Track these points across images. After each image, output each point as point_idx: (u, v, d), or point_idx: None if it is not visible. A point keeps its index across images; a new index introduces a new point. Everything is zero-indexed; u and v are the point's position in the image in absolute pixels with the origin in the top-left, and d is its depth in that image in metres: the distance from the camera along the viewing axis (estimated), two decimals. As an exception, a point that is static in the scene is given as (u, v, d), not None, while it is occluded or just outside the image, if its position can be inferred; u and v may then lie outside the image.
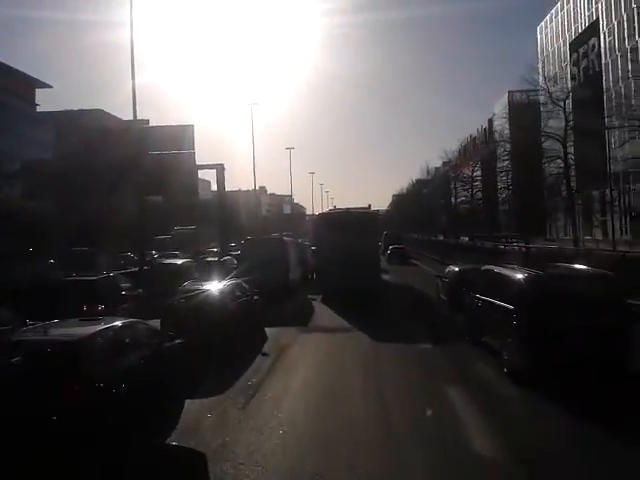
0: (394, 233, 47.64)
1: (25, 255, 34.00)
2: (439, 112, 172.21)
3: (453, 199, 52.50)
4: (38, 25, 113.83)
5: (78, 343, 5.44)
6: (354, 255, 18.63)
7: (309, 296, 20.46)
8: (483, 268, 11.39)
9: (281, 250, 20.69)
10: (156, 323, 9.75)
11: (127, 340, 6.31)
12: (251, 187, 60.90)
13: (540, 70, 67.67)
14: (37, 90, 60.39)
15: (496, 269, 10.34)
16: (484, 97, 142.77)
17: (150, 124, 37.14)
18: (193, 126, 35.18)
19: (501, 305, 9.25)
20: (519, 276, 9.15)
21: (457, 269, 15.96)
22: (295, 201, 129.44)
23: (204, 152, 34.19)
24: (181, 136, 34.12)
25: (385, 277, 24.43)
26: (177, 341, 7.46)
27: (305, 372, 9.86)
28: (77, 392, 4.93)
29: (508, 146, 41.74)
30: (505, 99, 54.91)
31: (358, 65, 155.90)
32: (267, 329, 13.35)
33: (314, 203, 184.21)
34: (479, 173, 46.77)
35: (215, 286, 12.28)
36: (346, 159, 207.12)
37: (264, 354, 11.03)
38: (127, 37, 21.26)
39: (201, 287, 12.10)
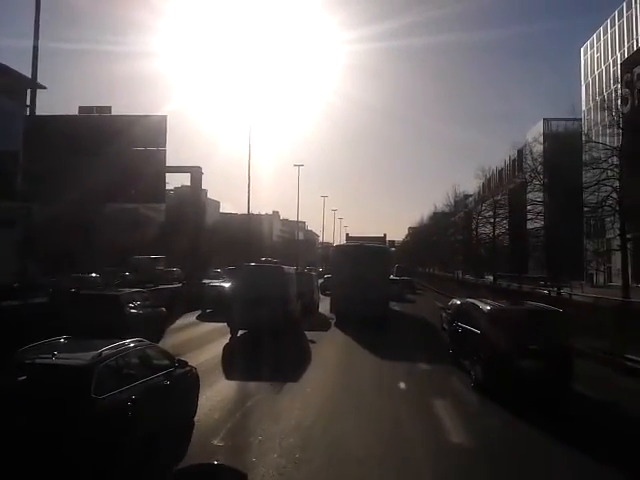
0: (404, 267, 60.20)
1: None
2: (462, 143, 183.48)
3: (477, 233, 56.20)
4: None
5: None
6: (365, 286, 23.64)
7: (308, 336, 20.39)
8: (466, 301, 15.26)
9: (280, 281, 20.16)
10: None
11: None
12: (265, 212, 65.15)
13: (583, 94, 71.75)
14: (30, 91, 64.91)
15: (473, 301, 14.20)
16: (512, 129, 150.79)
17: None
18: (166, 117, 32.25)
19: (472, 330, 13.08)
20: (487, 307, 12.99)
21: (458, 302, 19.65)
22: (309, 228, 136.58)
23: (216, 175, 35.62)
24: (151, 129, 31.09)
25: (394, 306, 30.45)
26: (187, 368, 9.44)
27: None
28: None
29: (541, 177, 44.62)
30: (539, 127, 58.11)
31: (380, 93, 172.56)
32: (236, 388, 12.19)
33: (328, 230, 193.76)
34: (506, 209, 50.52)
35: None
36: (363, 188, 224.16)
37: None
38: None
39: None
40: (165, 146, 32.04)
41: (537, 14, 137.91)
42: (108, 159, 29.95)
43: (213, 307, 25.87)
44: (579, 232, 44.21)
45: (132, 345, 8.14)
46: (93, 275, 38.77)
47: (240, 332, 19.66)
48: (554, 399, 11.47)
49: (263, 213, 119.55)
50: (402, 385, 13.00)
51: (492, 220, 51.35)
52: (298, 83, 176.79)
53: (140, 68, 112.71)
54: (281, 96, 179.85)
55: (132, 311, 17.67)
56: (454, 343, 15.02)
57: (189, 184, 38.35)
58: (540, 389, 11.49)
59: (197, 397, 9.79)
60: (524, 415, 10.32)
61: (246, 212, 46.50)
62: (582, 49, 75.93)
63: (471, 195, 65.81)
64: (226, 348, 17.65)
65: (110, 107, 35.30)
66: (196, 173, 35.31)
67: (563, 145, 47.72)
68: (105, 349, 7.46)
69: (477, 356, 12.41)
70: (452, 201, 65.87)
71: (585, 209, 39.02)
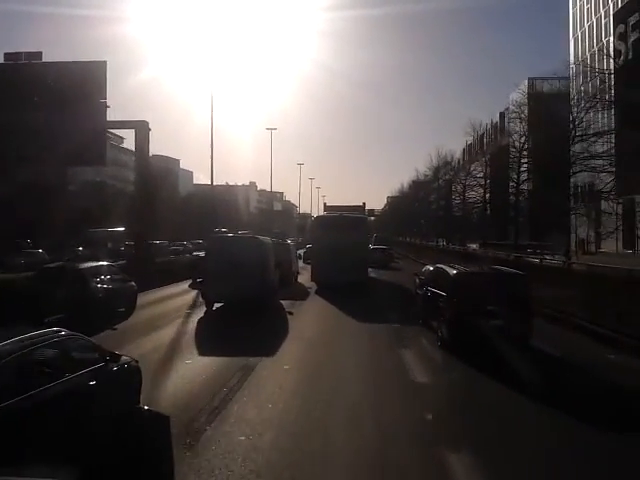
0: (382, 236, 64.29)
1: None
2: (442, 110, 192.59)
3: (464, 197, 57.24)
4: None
5: None
6: (345, 254, 26.38)
7: (287, 305, 21.91)
8: (437, 266, 16.89)
9: (255, 252, 20.76)
10: None
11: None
12: (242, 183, 66.09)
13: (572, 49, 73.01)
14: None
15: (442, 266, 15.83)
16: (494, 95, 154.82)
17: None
18: (105, 63, 29.81)
19: (440, 294, 14.70)
20: (453, 272, 14.59)
21: (431, 268, 21.30)
22: (286, 199, 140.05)
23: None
24: (89, 77, 28.77)
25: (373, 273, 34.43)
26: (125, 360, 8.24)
27: None
28: None
29: (524, 141, 45.90)
30: (524, 88, 59.02)
31: (357, 60, 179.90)
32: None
33: (306, 200, 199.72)
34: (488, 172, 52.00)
35: None
36: (341, 156, 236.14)
37: None
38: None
39: None
40: (105, 97, 29.41)
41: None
42: (39, 114, 27.88)
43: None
44: (565, 196, 45.03)
45: (46, 337, 6.78)
46: (40, 251, 38.37)
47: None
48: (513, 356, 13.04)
49: (239, 184, 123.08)
50: (376, 344, 15.15)
51: (484, 182, 52.37)
52: (274, 51, 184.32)
53: (114, 33, 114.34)
54: (257, 64, 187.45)
55: (99, 285, 17.98)
56: (425, 306, 16.72)
57: (160, 153, 37.54)
58: (500, 347, 13.05)
59: (138, 397, 8.33)
60: (482, 368, 12.01)
61: (222, 183, 47.26)
62: (570, 1, 76.77)
63: (450, 163, 66.99)
64: (200, 323, 18.39)
65: (41, 53, 31.64)
66: (142, 128, 31.59)
67: (549, 104, 48.46)
68: (4, 344, 6.13)
69: (443, 317, 14.05)
70: (435, 163, 66.94)
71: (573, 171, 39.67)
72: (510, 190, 46.69)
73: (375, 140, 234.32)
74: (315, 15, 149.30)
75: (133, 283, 20.87)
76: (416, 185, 78.09)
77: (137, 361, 8.71)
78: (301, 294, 26.18)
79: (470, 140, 64.09)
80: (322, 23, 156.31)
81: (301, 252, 44.90)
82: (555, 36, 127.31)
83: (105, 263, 20.74)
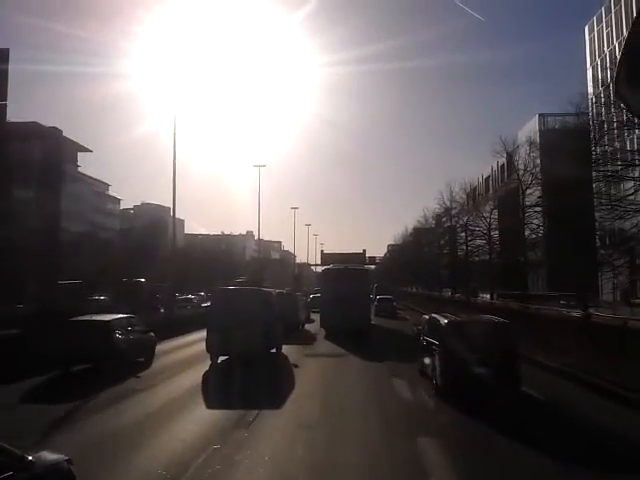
0: (383, 285, 72.63)
1: None
2: (443, 161, 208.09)
3: (490, 237, 57.46)
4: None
5: None
6: (350, 303, 32.70)
7: (294, 351, 26.64)
8: (432, 315, 19.85)
9: (259, 304, 23.22)
10: None
11: None
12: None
13: (590, 79, 76.31)
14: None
15: (436, 316, 18.80)
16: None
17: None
18: (7, 52, 28.49)
19: (433, 342, 17.60)
20: (445, 321, 17.54)
21: (427, 317, 24.15)
22: (285, 248, 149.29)
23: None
24: None
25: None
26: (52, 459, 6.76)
27: None
28: None
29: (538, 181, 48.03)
30: (533, 124, 60.54)
31: (357, 112, 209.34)
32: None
33: (302, 247, 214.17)
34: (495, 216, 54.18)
35: None
36: (341, 205, 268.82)
37: None
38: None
39: None
40: (6, 98, 27.53)
41: (521, 38, 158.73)
42: None
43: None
44: (590, 243, 44.25)
45: None
46: None
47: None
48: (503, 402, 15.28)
49: (236, 234, 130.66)
50: (374, 391, 18.31)
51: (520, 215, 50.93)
52: (273, 102, 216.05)
53: (113, 89, 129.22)
54: (254, 113, 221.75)
55: (121, 337, 20.96)
56: (421, 354, 19.60)
57: (151, 201, 37.94)
58: (490, 393, 15.39)
59: None
60: (472, 414, 14.46)
61: (219, 232, 50.94)
62: (586, 27, 79.91)
63: (470, 194, 68.44)
64: (204, 376, 20.52)
65: None
66: (52, 136, 29.31)
67: (563, 140, 49.42)
68: None
69: (436, 365, 16.88)
70: (449, 198, 66.12)
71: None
72: (527, 237, 48.84)
73: (374, 187, 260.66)
74: (314, 69, 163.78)
75: (152, 334, 24.11)
76: (418, 232, 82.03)
77: (69, 460, 6.96)
78: (308, 340, 33.04)
79: (500, 162, 63.87)
80: (324, 77, 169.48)
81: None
82: (562, 73, 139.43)
83: (126, 315, 23.51)
